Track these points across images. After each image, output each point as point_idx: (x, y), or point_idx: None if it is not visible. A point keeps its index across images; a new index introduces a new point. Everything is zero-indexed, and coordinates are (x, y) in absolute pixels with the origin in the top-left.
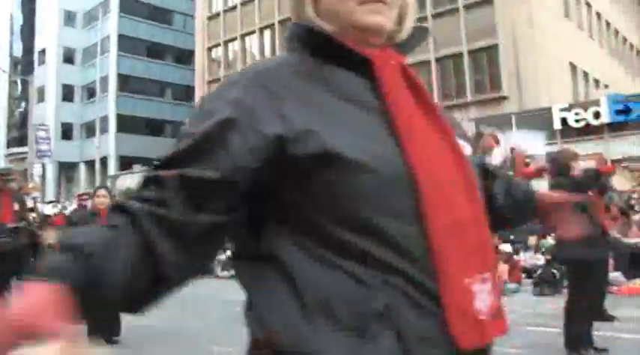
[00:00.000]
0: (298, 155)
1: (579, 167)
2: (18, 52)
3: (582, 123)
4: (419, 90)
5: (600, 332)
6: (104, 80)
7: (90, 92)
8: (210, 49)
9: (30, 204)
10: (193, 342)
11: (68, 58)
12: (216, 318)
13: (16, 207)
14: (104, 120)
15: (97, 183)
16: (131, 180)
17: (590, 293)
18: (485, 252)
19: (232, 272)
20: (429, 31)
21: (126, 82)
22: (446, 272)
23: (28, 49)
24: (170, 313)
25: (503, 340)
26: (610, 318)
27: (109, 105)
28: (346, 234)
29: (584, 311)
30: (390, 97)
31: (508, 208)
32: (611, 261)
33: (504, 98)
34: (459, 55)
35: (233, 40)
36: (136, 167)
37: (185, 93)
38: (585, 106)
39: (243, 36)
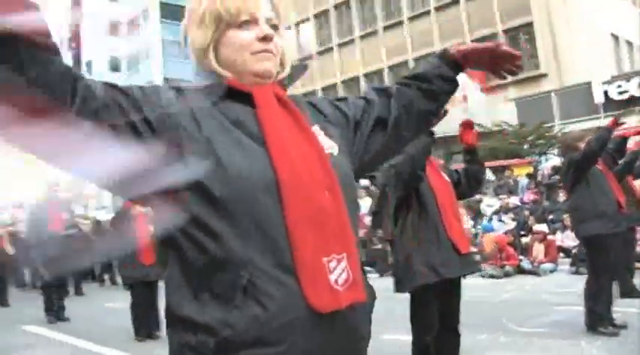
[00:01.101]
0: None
1: None
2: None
3: (625, 96)
4: (292, 112)
5: (623, 308)
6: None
7: None
8: None
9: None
10: None
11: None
12: None
13: (66, 215)
14: None
15: None
16: None
17: (608, 270)
18: (343, 235)
19: None
20: (307, 67)
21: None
22: (302, 254)
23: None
24: None
25: (529, 319)
26: (637, 294)
27: None
28: (223, 226)
29: (604, 289)
30: (263, 120)
31: (420, 95)
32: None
33: (543, 76)
34: (494, 36)
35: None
36: None
37: None
38: (628, 77)
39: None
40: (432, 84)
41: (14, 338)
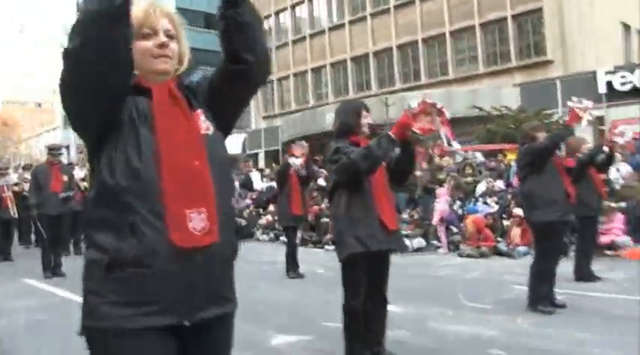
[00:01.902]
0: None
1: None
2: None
3: (628, 87)
4: (178, 103)
5: (574, 291)
6: None
7: None
8: None
9: (81, 174)
10: None
11: None
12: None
13: (65, 178)
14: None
15: None
16: None
17: (554, 255)
18: (205, 195)
19: (271, 235)
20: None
21: None
22: (169, 205)
23: None
24: None
25: (484, 296)
26: (593, 279)
27: None
28: (116, 187)
29: (548, 271)
30: (155, 107)
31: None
32: (620, 225)
33: (549, 62)
34: (504, 20)
35: (284, 10)
36: None
37: None
38: (632, 68)
39: (293, 6)
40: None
41: (11, 287)
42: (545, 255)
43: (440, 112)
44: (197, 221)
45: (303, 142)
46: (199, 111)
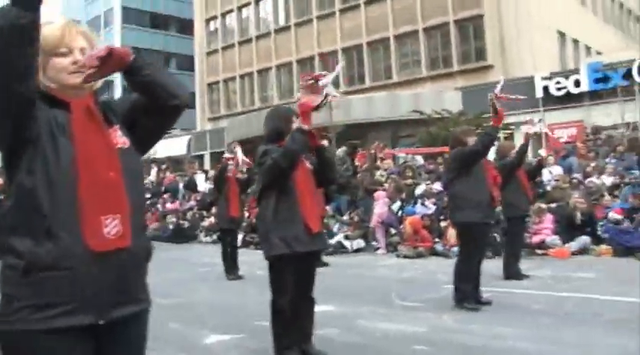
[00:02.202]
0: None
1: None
2: None
3: (563, 92)
4: (95, 119)
5: (500, 288)
6: None
7: None
8: (208, 21)
9: None
10: None
11: None
12: (172, 277)
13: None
14: (110, 92)
15: None
16: None
17: (477, 255)
18: (119, 203)
19: (214, 237)
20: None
21: None
22: (85, 212)
23: None
24: None
25: (415, 295)
26: (521, 277)
27: (116, 77)
28: (33, 193)
29: (472, 270)
30: (73, 125)
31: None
32: (550, 225)
33: (490, 67)
34: (446, 25)
35: (230, 12)
36: None
37: (190, 63)
38: (566, 75)
39: (240, 7)
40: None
41: None
42: (468, 255)
43: None
44: (111, 226)
45: (234, 144)
46: (116, 126)
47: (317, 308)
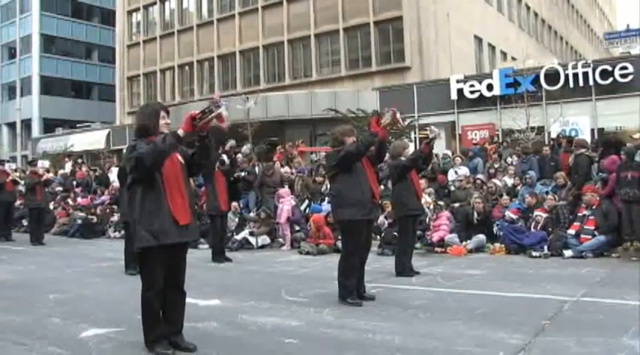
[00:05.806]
0: None
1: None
2: None
3: (476, 95)
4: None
5: (387, 284)
6: (25, 40)
7: (10, 52)
8: (130, 13)
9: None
10: (32, 291)
11: None
12: (69, 272)
13: None
14: (26, 81)
15: (19, 145)
16: (53, 143)
17: (358, 251)
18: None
19: (122, 233)
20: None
21: (51, 43)
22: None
23: None
24: (28, 268)
25: (305, 291)
26: (411, 274)
27: (33, 66)
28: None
29: (354, 266)
30: None
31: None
32: (446, 222)
33: (407, 69)
34: (367, 25)
35: (153, 4)
36: (58, 130)
37: (112, 55)
38: (480, 79)
39: (163, 0)
40: None
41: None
42: (351, 252)
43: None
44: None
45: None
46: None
47: (202, 303)
